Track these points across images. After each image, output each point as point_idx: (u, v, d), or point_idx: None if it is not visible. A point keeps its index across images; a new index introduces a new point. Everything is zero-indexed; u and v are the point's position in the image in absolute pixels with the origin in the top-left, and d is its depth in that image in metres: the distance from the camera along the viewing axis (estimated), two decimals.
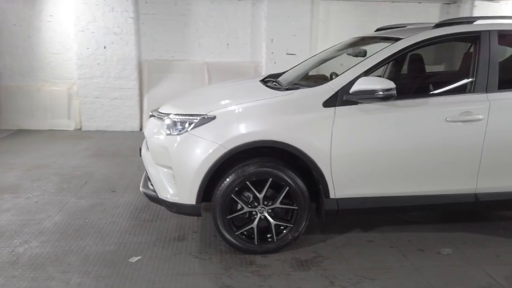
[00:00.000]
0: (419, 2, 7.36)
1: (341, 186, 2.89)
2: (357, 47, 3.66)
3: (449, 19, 3.22)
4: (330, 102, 2.82)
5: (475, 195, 3.02)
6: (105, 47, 6.73)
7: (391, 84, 2.71)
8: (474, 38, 3.02)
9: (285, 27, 6.90)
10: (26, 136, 6.50)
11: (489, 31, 2.98)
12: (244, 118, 2.81)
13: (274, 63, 7.03)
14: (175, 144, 2.83)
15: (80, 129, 6.97)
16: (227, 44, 7.20)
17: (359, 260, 2.94)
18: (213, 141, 2.73)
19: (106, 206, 3.78)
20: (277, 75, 3.90)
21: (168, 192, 2.90)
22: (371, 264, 2.89)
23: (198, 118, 2.83)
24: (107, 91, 6.87)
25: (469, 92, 2.96)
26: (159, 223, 3.45)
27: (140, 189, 3.22)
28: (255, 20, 7.12)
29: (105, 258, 2.90)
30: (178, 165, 2.82)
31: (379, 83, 2.71)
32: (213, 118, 2.81)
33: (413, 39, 2.95)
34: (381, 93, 2.70)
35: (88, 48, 6.70)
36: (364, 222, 3.52)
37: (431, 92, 3.19)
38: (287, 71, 4.04)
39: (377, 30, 3.61)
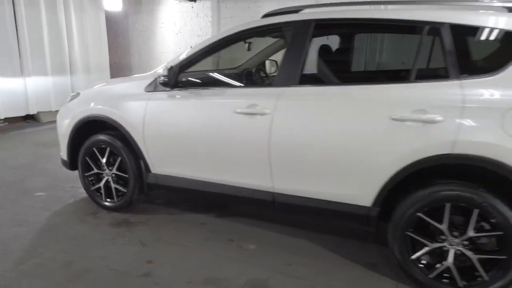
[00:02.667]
0: None
1: (156, 162, 3.26)
2: None
3: (282, 8, 3.04)
4: (150, 87, 3.23)
5: (273, 195, 2.85)
6: (191, 47, 8.09)
7: (164, 72, 2.94)
8: (290, 29, 2.82)
9: None
10: None
11: (302, 21, 2.75)
12: (93, 96, 3.53)
13: None
14: (59, 111, 3.81)
15: None
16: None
17: (169, 233, 3.20)
18: (73, 111, 3.57)
19: None
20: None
21: (60, 149, 3.89)
22: (170, 238, 3.13)
23: (74, 94, 3.72)
24: None
25: (269, 84, 2.83)
26: None
27: None
28: None
29: (25, 189, 4.13)
30: (58, 127, 3.77)
31: (163, 71, 2.98)
32: (78, 95, 3.64)
33: (229, 32, 3.02)
34: (162, 79, 2.97)
35: (180, 48, 8.23)
36: (229, 210, 3.66)
37: (233, 83, 3.12)
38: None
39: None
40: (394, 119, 2.36)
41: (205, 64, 3.44)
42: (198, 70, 3.66)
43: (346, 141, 2.50)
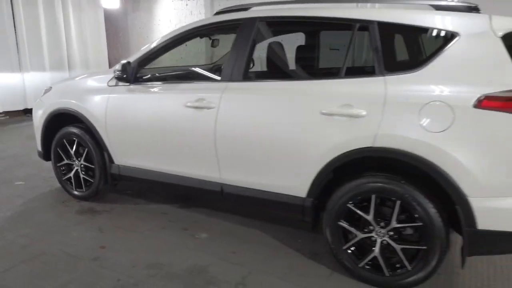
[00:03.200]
0: None
1: (118, 154, 3.43)
2: None
3: (233, 6, 3.14)
4: (113, 82, 3.38)
5: (221, 186, 2.98)
6: (186, 44, 8.26)
7: (118, 67, 3.10)
8: (237, 26, 2.93)
9: None
10: None
11: (247, 18, 2.86)
12: (62, 90, 3.71)
13: None
14: (34, 104, 4.01)
15: None
16: (281, 40, 7.57)
17: (130, 221, 3.37)
18: (45, 104, 3.76)
19: None
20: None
21: (36, 141, 4.09)
22: (129, 226, 3.29)
23: (47, 88, 3.91)
24: None
25: (217, 79, 2.96)
26: None
27: None
28: None
29: (7, 178, 4.37)
30: (33, 120, 3.97)
31: (118, 66, 3.14)
32: (51, 89, 3.83)
33: (184, 28, 3.16)
34: (117, 73, 3.13)
35: None
36: (191, 201, 3.81)
37: (185, 78, 3.26)
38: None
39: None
40: (323, 114, 2.46)
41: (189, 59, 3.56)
42: (165, 66, 3.82)
43: (281, 133, 2.61)
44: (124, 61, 3.17)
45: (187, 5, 8.11)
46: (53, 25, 7.64)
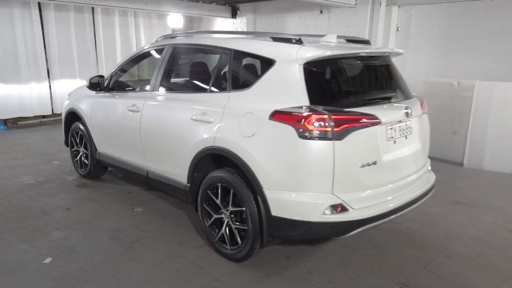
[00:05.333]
0: None
1: (97, 143, 4.60)
2: None
3: (167, 34, 4.03)
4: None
5: (147, 172, 3.90)
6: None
7: (88, 79, 4.23)
8: (163, 50, 3.83)
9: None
10: None
11: (168, 45, 3.75)
12: (73, 94, 5.04)
13: None
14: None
15: None
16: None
17: (101, 195, 4.50)
18: (65, 105, 5.14)
19: None
20: None
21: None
22: (98, 198, 4.42)
23: (69, 92, 5.30)
24: None
25: (146, 90, 3.89)
26: None
27: None
28: (330, 30, 7.71)
29: (51, 158, 5.89)
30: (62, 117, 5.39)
31: (88, 79, 4.28)
32: (70, 94, 5.20)
33: (136, 52, 4.18)
34: (86, 84, 4.28)
35: None
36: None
37: (131, 88, 4.20)
38: None
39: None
40: (192, 119, 3.22)
41: None
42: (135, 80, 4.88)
43: (170, 132, 3.44)
44: (94, 76, 4.30)
45: (233, 23, 9.18)
46: (126, 42, 9.40)
